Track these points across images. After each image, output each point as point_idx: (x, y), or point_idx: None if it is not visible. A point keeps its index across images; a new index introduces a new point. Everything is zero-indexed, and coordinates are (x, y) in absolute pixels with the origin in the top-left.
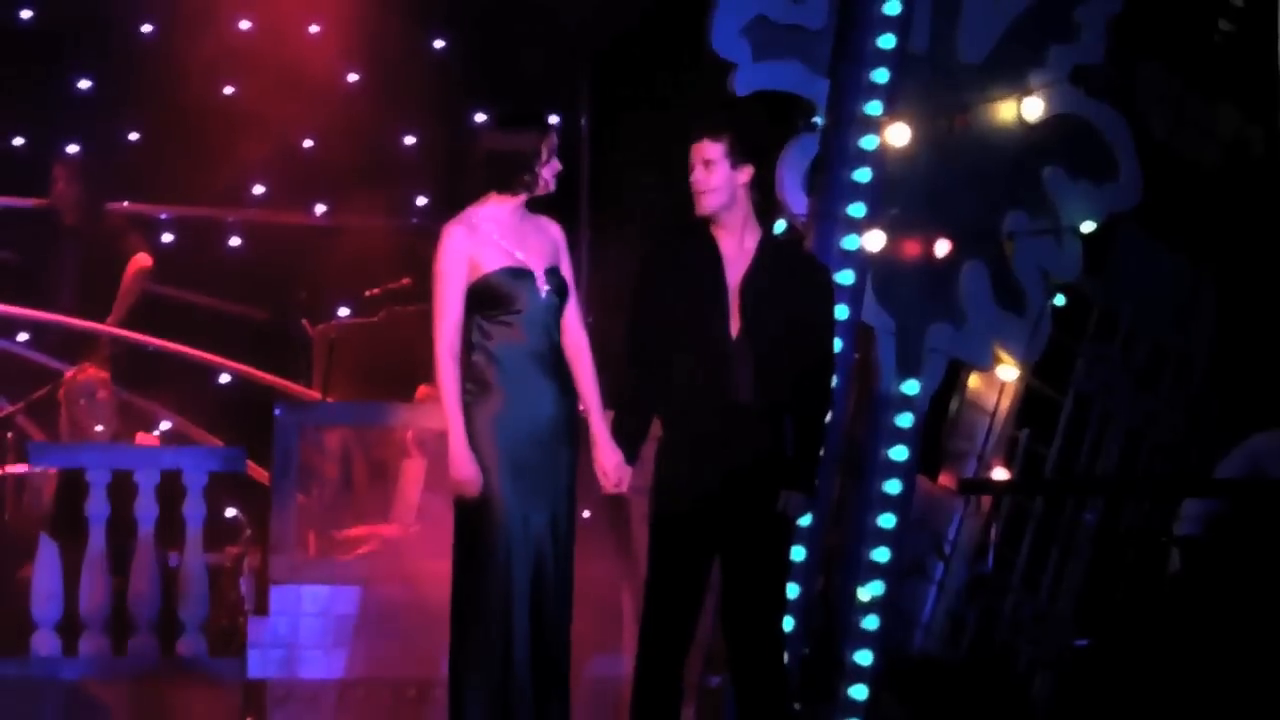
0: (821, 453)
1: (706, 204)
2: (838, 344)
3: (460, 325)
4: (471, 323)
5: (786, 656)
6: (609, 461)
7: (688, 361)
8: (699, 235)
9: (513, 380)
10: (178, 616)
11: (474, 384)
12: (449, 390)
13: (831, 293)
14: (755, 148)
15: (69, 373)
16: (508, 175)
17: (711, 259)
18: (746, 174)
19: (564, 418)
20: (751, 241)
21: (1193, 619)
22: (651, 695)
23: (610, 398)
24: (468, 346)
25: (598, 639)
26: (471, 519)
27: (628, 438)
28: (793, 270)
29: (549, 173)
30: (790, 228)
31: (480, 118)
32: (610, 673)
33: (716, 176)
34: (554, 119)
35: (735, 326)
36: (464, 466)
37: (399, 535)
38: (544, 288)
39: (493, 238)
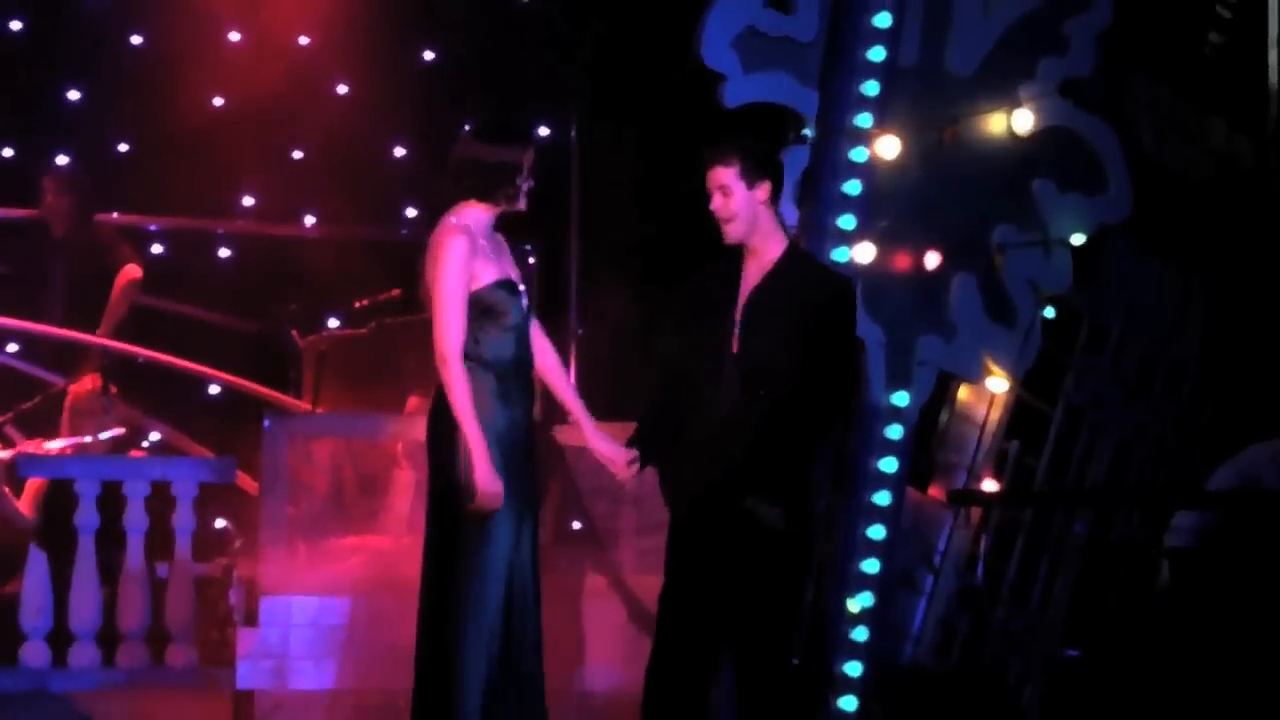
0: (810, 464)
1: (731, 234)
2: None
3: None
4: (467, 335)
5: None
6: (608, 451)
7: (694, 378)
8: (727, 256)
9: (509, 391)
10: (167, 627)
11: (474, 396)
12: (466, 403)
13: (848, 306)
14: (767, 160)
15: (79, 384)
16: (492, 185)
17: (731, 278)
18: (764, 190)
19: (533, 427)
20: (770, 257)
21: (1182, 630)
22: (662, 711)
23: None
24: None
25: (582, 652)
26: (476, 530)
27: (642, 447)
28: (807, 284)
29: (525, 188)
30: None
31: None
32: (598, 687)
33: (735, 201)
34: (544, 130)
35: (737, 343)
36: (493, 481)
37: (389, 546)
38: (525, 300)
39: (485, 249)
